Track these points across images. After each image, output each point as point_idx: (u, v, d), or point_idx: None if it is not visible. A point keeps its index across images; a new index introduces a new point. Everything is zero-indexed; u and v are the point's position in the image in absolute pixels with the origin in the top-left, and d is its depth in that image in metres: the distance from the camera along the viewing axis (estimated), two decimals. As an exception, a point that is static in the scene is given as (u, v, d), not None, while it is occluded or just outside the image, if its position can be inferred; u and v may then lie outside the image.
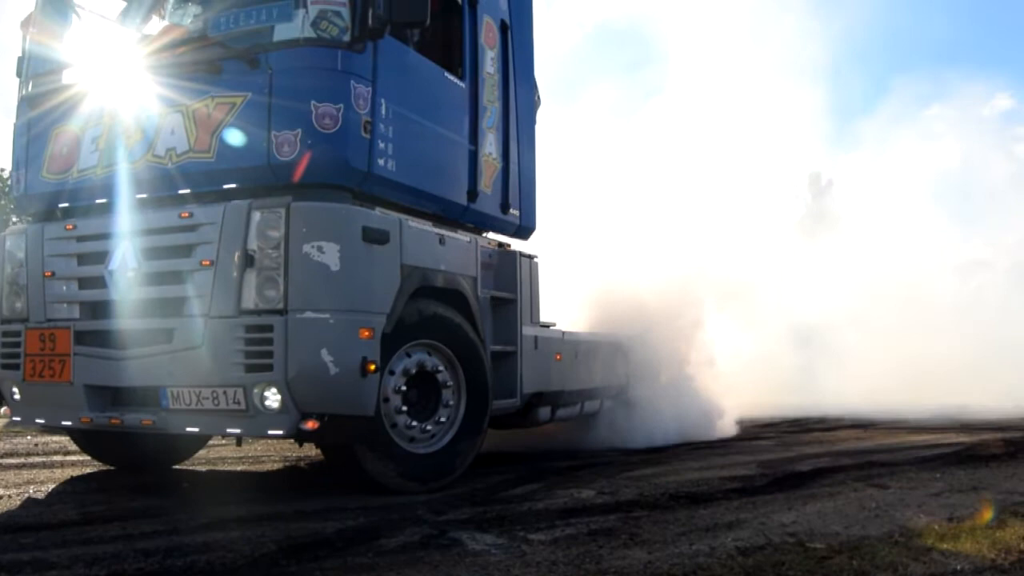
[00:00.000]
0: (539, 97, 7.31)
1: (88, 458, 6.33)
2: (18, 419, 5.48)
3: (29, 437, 8.45)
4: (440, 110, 5.53)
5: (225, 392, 4.55)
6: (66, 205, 5.34)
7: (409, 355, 5.13)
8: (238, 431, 4.78)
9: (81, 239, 5.17)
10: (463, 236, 5.77)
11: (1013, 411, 10.80)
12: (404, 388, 5.09)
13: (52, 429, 6.35)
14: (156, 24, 5.94)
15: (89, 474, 6.07)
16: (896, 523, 4.13)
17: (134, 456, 6.06)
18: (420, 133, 5.27)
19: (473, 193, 5.82)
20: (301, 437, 4.78)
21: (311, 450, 6.71)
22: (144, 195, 5.00)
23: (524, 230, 6.58)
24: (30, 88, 5.57)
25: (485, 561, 3.44)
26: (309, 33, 4.72)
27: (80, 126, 5.21)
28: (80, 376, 4.99)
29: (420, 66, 5.34)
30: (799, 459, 6.69)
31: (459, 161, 5.74)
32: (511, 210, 6.30)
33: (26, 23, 5.64)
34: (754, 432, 9.35)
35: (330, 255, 4.49)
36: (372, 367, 4.59)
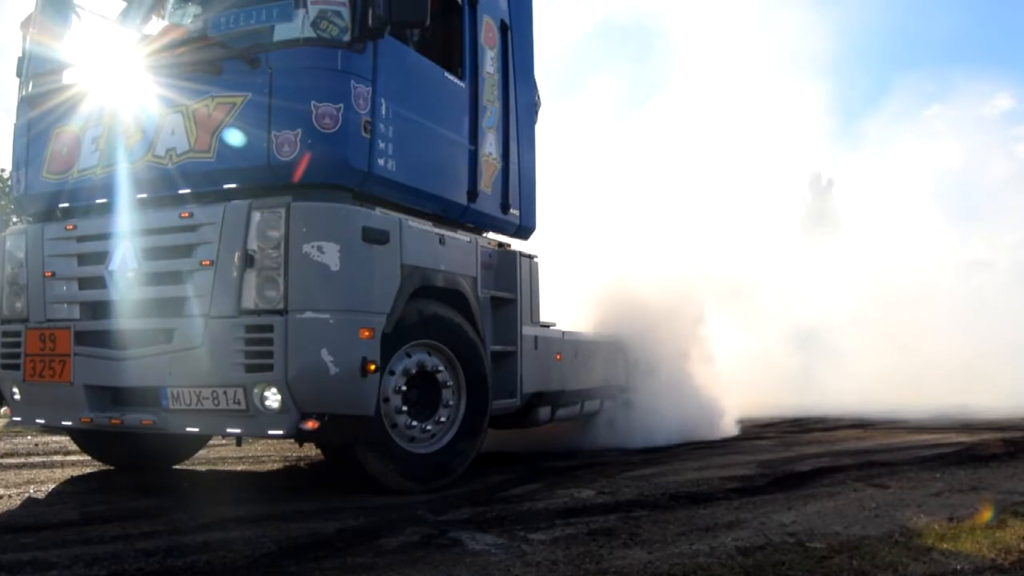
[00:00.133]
0: (539, 98, 7.31)
1: (88, 458, 6.33)
2: (18, 419, 5.48)
3: (29, 437, 8.45)
4: (440, 110, 5.53)
5: (225, 392, 4.55)
6: (66, 205, 5.34)
7: (409, 355, 5.13)
8: (238, 431, 4.78)
9: (81, 239, 5.16)
10: (463, 236, 5.77)
11: (1013, 411, 10.80)
12: (404, 388, 5.09)
13: (52, 429, 6.35)
14: (156, 24, 5.94)
15: (89, 474, 6.07)
16: (896, 523, 4.13)
17: (134, 456, 6.06)
18: (420, 133, 5.28)
19: (473, 193, 5.82)
20: (301, 437, 4.78)
21: (311, 450, 6.71)
22: (144, 195, 5.00)
23: (524, 230, 6.59)
24: (30, 88, 5.57)
25: (485, 561, 3.44)
26: (309, 33, 4.72)
27: (80, 126, 5.22)
28: (80, 376, 4.99)
29: (420, 66, 5.34)
30: (799, 459, 6.69)
31: (459, 161, 5.74)
32: (511, 210, 6.31)
33: (26, 23, 5.64)
34: (754, 432, 9.35)
35: (330, 255, 4.49)
36: (372, 367, 4.59)
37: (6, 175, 24.87)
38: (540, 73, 7.02)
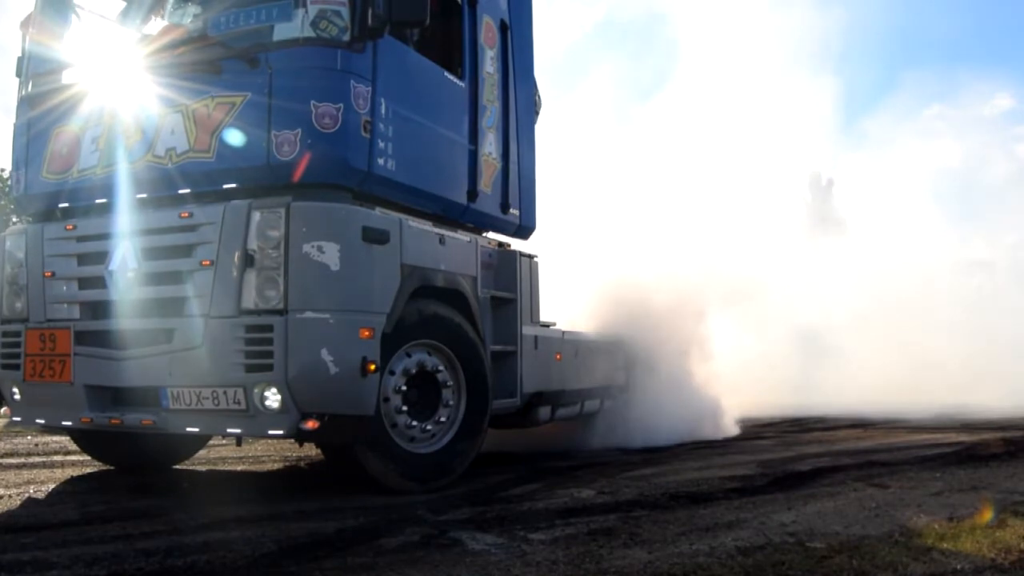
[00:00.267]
0: (540, 98, 7.31)
1: (88, 458, 6.33)
2: (18, 419, 5.48)
3: (29, 437, 8.45)
4: (440, 110, 5.53)
5: (225, 392, 4.55)
6: (66, 205, 5.34)
7: (409, 355, 5.13)
8: (238, 431, 4.78)
9: (81, 239, 5.16)
10: (463, 236, 5.77)
11: (1013, 411, 10.80)
12: (404, 388, 5.09)
13: (52, 429, 6.35)
14: (156, 24, 5.93)
15: (89, 474, 6.07)
16: (896, 523, 4.13)
17: (134, 456, 6.06)
18: (420, 133, 5.27)
19: (473, 193, 5.82)
20: (301, 437, 4.78)
21: (311, 450, 6.71)
22: (144, 195, 5.00)
23: (524, 230, 6.58)
24: (30, 88, 5.57)
25: (485, 561, 3.44)
26: (309, 33, 4.72)
27: (80, 126, 5.21)
28: (80, 376, 4.99)
29: (420, 66, 5.34)
30: (799, 459, 6.69)
31: (459, 161, 5.74)
32: (511, 210, 6.31)
33: (26, 23, 5.64)
34: (754, 431, 9.35)
35: (330, 255, 4.49)
36: (372, 367, 4.59)
37: (6, 175, 24.87)
38: (540, 73, 7.03)
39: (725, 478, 5.60)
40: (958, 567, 3.34)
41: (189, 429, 4.81)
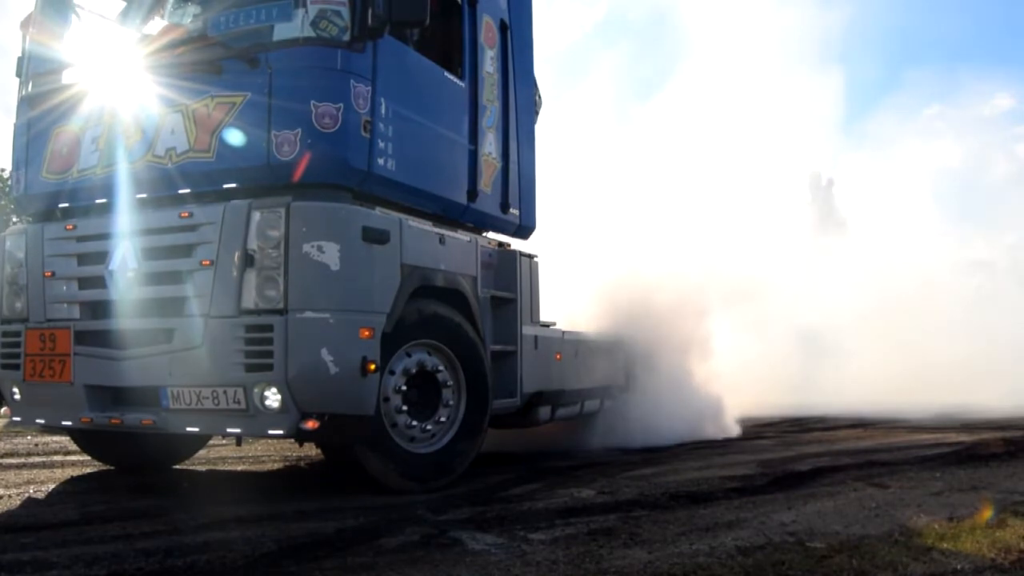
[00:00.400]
0: (540, 97, 7.32)
1: (88, 458, 6.33)
2: (18, 419, 5.47)
3: (29, 437, 8.45)
4: (440, 109, 5.53)
5: (225, 392, 4.55)
6: (66, 205, 5.34)
7: (409, 355, 5.13)
8: (238, 431, 4.78)
9: (81, 239, 5.16)
10: (463, 236, 5.77)
11: (1013, 410, 10.80)
12: (404, 388, 5.09)
13: (52, 429, 6.35)
14: (156, 24, 5.93)
15: (89, 474, 6.07)
16: (896, 522, 4.13)
17: (134, 456, 6.06)
18: (420, 132, 5.27)
19: (473, 192, 5.82)
20: (301, 437, 4.78)
21: (311, 450, 6.71)
22: (144, 195, 5.00)
23: (524, 229, 6.59)
24: (30, 88, 5.57)
25: (485, 560, 3.44)
26: (309, 32, 4.72)
27: (80, 126, 5.21)
28: (80, 376, 4.99)
29: (420, 65, 5.34)
30: (799, 458, 6.69)
31: (459, 160, 5.74)
32: (511, 209, 6.31)
33: (26, 23, 5.64)
34: (754, 431, 9.35)
35: (330, 255, 4.49)
36: (372, 367, 4.59)
37: (6, 175, 24.88)
38: (540, 73, 7.03)
39: (725, 478, 5.60)
40: (958, 567, 3.34)
41: (189, 429, 4.81)
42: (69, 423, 5.18)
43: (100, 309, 5.06)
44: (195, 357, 4.60)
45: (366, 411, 4.67)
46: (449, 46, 5.75)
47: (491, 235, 6.34)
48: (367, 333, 4.59)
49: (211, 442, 7.25)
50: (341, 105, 4.63)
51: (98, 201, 5.16)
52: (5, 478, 5.79)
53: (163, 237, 4.87)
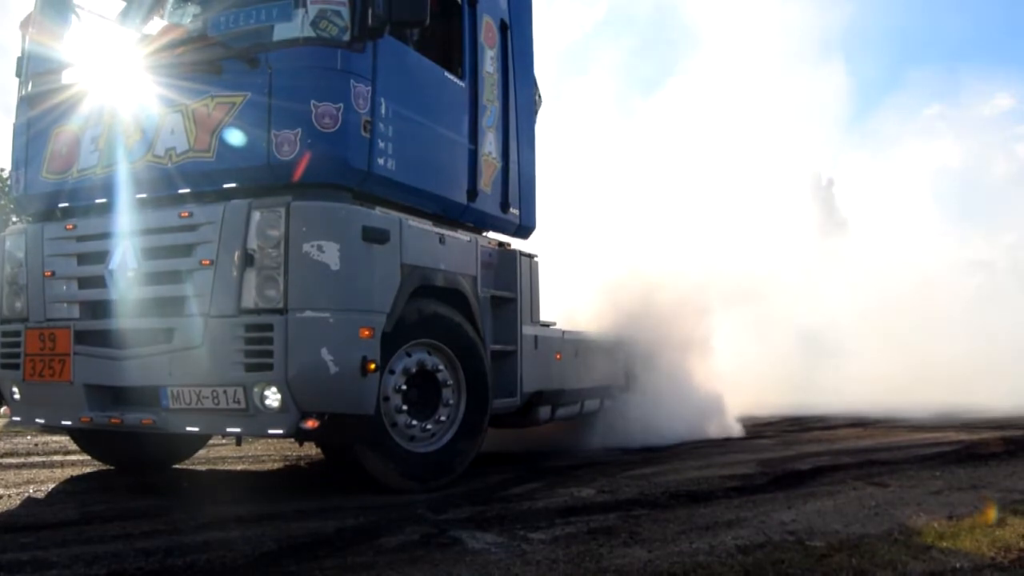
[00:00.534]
0: (540, 97, 7.32)
1: (88, 458, 6.34)
2: (18, 419, 5.48)
3: (29, 437, 8.45)
4: (440, 109, 5.53)
5: (225, 391, 4.55)
6: (66, 205, 5.34)
7: (409, 354, 5.14)
8: (238, 430, 4.78)
9: (81, 239, 5.17)
10: (463, 235, 5.77)
11: (1013, 410, 10.80)
12: (404, 387, 5.09)
13: (52, 429, 6.34)
14: (156, 24, 5.94)
15: (89, 474, 6.08)
16: (896, 521, 4.13)
17: (134, 456, 6.06)
18: (420, 132, 5.28)
19: (473, 192, 5.82)
20: (301, 436, 4.78)
21: (311, 450, 6.71)
22: (144, 195, 5.01)
23: (524, 229, 6.59)
24: (30, 88, 5.57)
25: (485, 560, 3.45)
26: (309, 32, 4.72)
27: (80, 126, 5.21)
28: (80, 376, 4.99)
29: (420, 65, 5.34)
30: (799, 458, 6.69)
31: (459, 160, 5.74)
32: (511, 209, 6.31)
33: (26, 23, 5.64)
34: (754, 430, 9.35)
35: (330, 254, 4.49)
36: (372, 366, 4.59)
37: (6, 175, 24.87)
38: (540, 72, 7.04)
39: (725, 477, 5.60)
40: (957, 566, 3.34)
41: (189, 428, 4.81)
42: (69, 423, 5.19)
43: (100, 309, 5.06)
44: (195, 357, 4.60)
45: (366, 411, 4.67)
46: (449, 46, 5.76)
47: (491, 235, 6.34)
48: (367, 333, 4.59)
49: (211, 442, 7.25)
50: (341, 105, 4.63)
51: (98, 201, 5.16)
52: (5, 478, 5.79)
53: (163, 237, 4.87)
